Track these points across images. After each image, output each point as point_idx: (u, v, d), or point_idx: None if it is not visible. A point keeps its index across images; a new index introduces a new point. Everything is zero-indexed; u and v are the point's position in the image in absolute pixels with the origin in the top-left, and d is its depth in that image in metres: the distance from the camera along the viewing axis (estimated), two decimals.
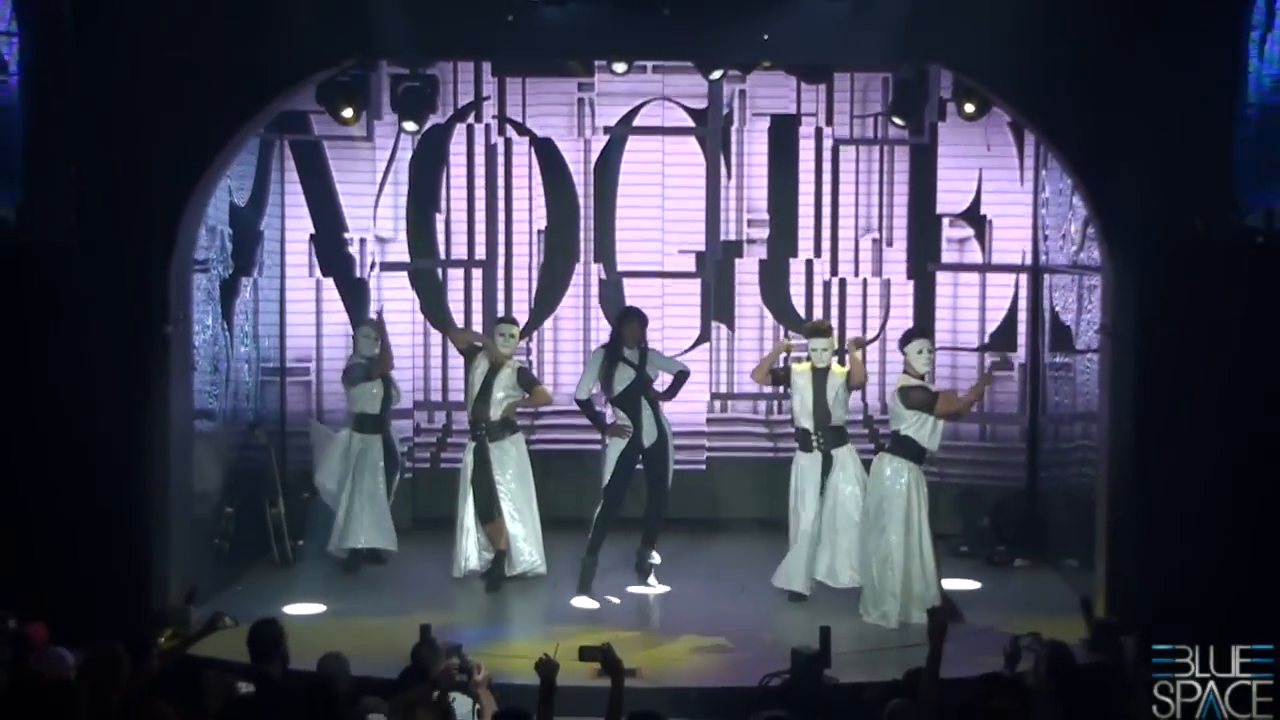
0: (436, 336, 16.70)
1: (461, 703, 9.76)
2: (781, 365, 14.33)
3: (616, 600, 14.38)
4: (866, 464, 14.21)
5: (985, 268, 16.54)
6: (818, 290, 16.85)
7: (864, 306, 16.76)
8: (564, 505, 15.35)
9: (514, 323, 15.51)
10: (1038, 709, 9.74)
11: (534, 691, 9.19)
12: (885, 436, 14.38)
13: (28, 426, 12.56)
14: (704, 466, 16.41)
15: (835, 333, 15.12)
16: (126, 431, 13.04)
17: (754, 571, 14.71)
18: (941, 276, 16.59)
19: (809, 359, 14.17)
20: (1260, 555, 12.00)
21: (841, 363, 14.35)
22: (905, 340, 14.12)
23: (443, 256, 16.95)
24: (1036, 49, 12.81)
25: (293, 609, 12.55)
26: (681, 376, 15.10)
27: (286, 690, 9.91)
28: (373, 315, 15.89)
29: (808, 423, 14.16)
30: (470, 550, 14.88)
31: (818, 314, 16.37)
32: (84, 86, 12.60)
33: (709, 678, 12.15)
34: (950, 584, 13.84)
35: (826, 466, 14.15)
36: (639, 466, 14.68)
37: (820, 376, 14.09)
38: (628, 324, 14.77)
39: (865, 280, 16.80)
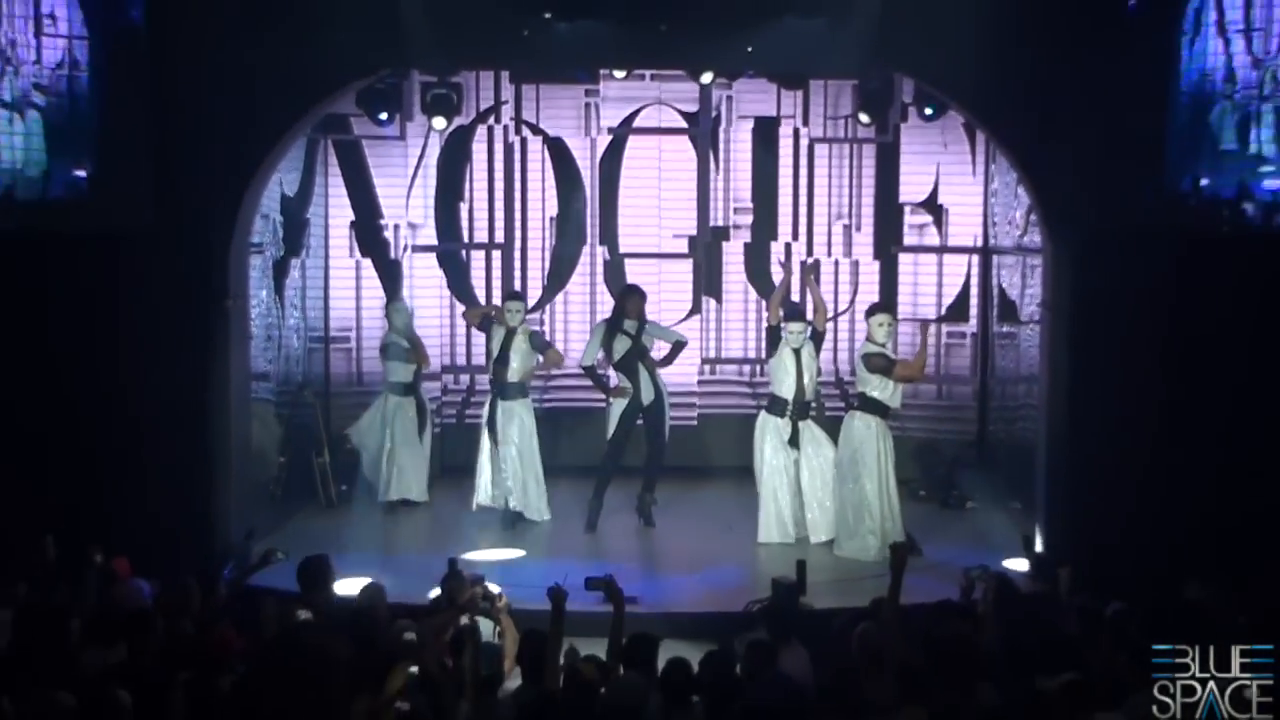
0: (460, 309, 16.70)
1: (484, 626, 9.87)
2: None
3: (619, 537, 14.47)
4: (835, 420, 14.38)
5: (941, 249, 16.60)
6: (798, 268, 16.73)
7: (835, 284, 16.79)
8: (573, 456, 15.42)
9: (520, 298, 15.67)
10: (985, 631, 9.87)
11: (546, 616, 9.32)
12: (854, 397, 14.43)
13: (110, 388, 12.64)
14: (695, 422, 16.47)
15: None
16: (193, 392, 13.14)
17: (740, 512, 14.78)
18: (904, 257, 16.65)
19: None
20: (1175, 497, 12.07)
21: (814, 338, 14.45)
22: (869, 313, 14.25)
23: (466, 240, 16.96)
24: (987, 59, 12.80)
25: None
26: (679, 345, 15.20)
27: (333, 616, 10.02)
28: (406, 301, 15.97)
29: (786, 394, 14.27)
30: (484, 487, 15.00)
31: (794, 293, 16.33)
32: (158, 92, 12.69)
33: (699, 604, 12.26)
34: None
35: (791, 434, 14.26)
36: (639, 422, 14.80)
37: (797, 357, 14.20)
38: (629, 299, 14.89)
39: (836, 261, 16.86)
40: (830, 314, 15.06)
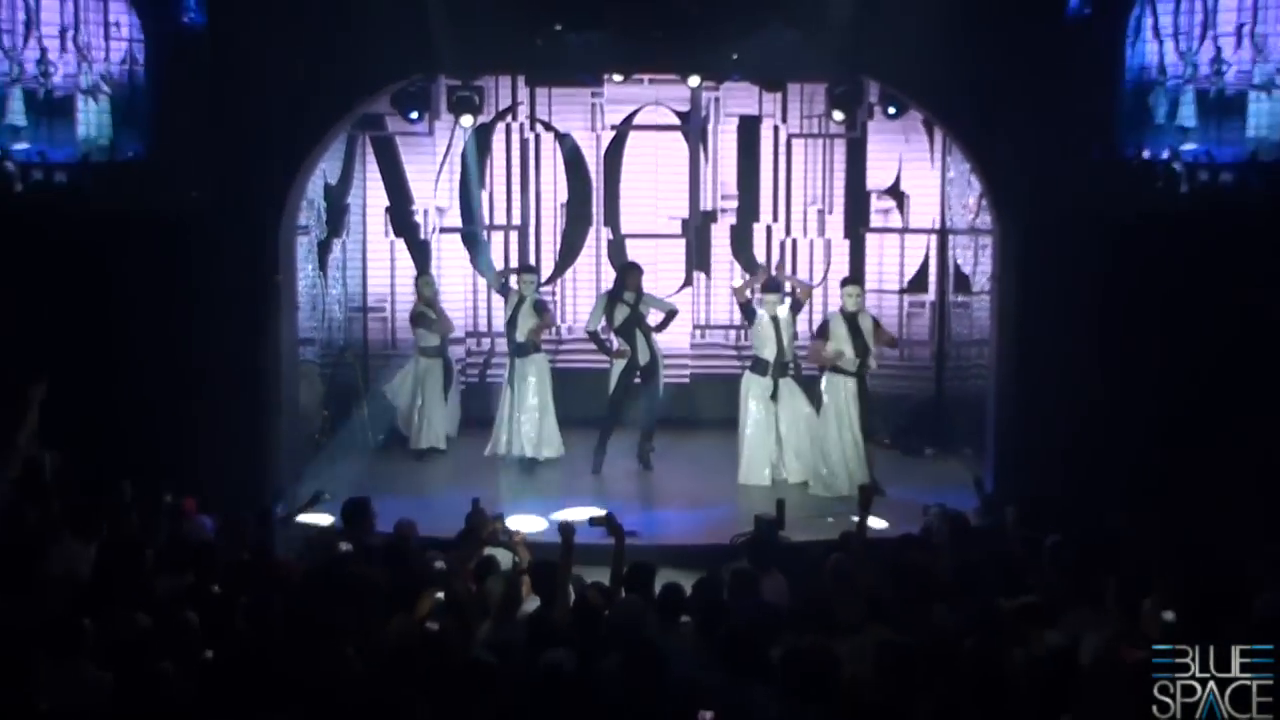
0: (482, 282, 16.69)
1: (503, 557, 9.86)
2: (755, 297, 14.47)
3: (621, 479, 14.44)
4: (810, 378, 14.38)
5: (903, 230, 16.54)
6: (775, 248, 16.80)
7: (810, 261, 16.74)
8: (581, 410, 15.35)
9: (534, 271, 15.81)
10: (940, 560, 9.86)
11: (557, 547, 9.31)
12: None
13: (176, 351, 12.67)
14: (688, 380, 16.44)
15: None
16: (247, 355, 13.24)
17: (725, 459, 14.72)
18: (870, 237, 16.57)
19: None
20: (1106, 444, 12.09)
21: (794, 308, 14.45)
22: (842, 284, 14.34)
23: (487, 222, 16.89)
24: (944, 64, 12.81)
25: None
26: (671, 314, 15.22)
27: (371, 548, 10.01)
28: (434, 275, 15.94)
29: (768, 356, 14.27)
30: (503, 437, 15.01)
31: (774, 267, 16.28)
32: (217, 91, 12.65)
33: (690, 537, 12.33)
34: None
35: (773, 390, 14.29)
36: (636, 380, 14.82)
37: (777, 323, 14.21)
38: (628, 273, 14.93)
39: (811, 240, 16.78)
40: (809, 288, 15.04)
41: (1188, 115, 12.37)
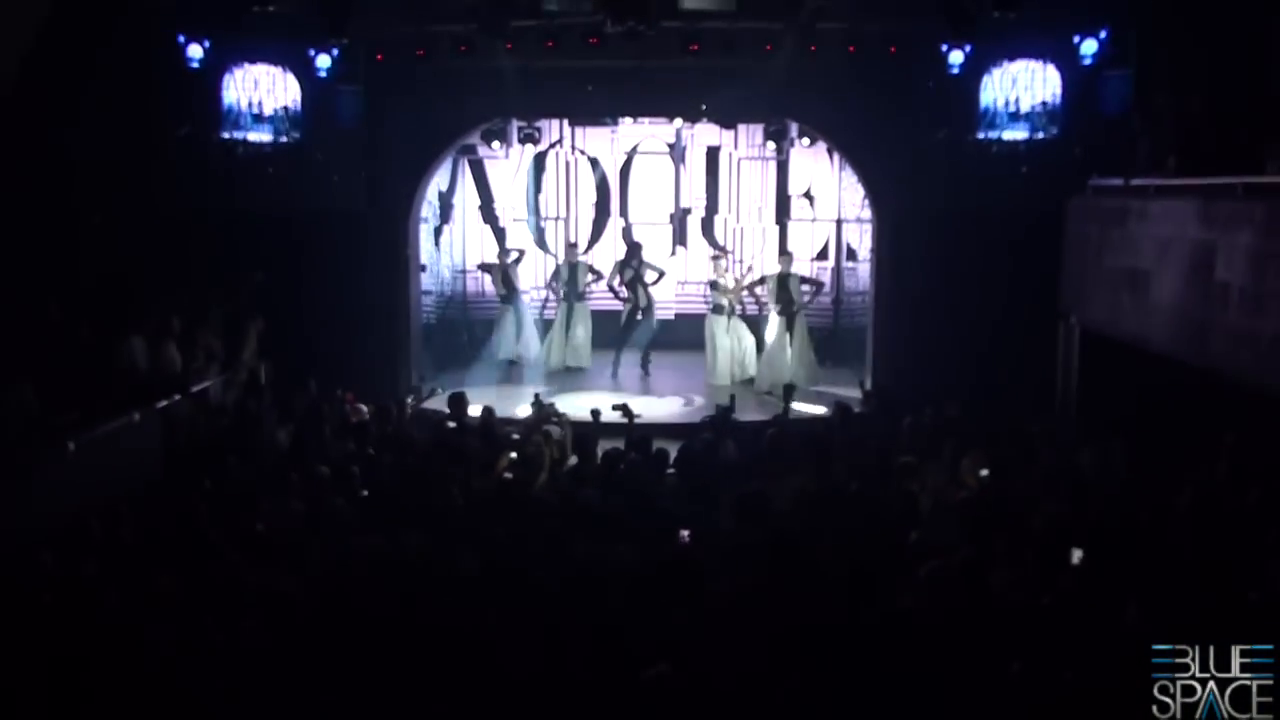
0: (540, 253, 16.62)
1: (554, 432, 9.88)
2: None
3: (630, 381, 14.41)
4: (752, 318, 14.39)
5: (813, 220, 16.41)
6: (731, 233, 16.67)
7: (753, 240, 16.60)
8: (603, 338, 15.31)
9: (576, 246, 15.63)
10: (837, 432, 9.88)
11: (589, 425, 9.33)
12: (765, 302, 14.40)
13: (344, 299, 12.62)
14: (673, 317, 16.28)
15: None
16: (390, 301, 13.23)
17: (697, 368, 14.58)
18: (792, 225, 16.35)
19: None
20: (946, 358, 11.99)
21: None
22: (778, 254, 14.42)
23: (543, 215, 16.80)
24: (839, 111, 12.81)
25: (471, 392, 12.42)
26: (662, 275, 15.14)
27: (467, 425, 10.05)
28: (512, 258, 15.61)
29: (724, 304, 14.27)
30: (555, 353, 14.96)
31: (729, 247, 16.24)
32: (370, 141, 12.63)
33: (675, 419, 12.27)
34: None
35: (727, 325, 14.27)
36: (638, 318, 14.76)
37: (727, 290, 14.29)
38: (634, 248, 14.88)
39: (754, 227, 16.67)
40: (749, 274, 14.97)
41: (1004, 122, 12.23)
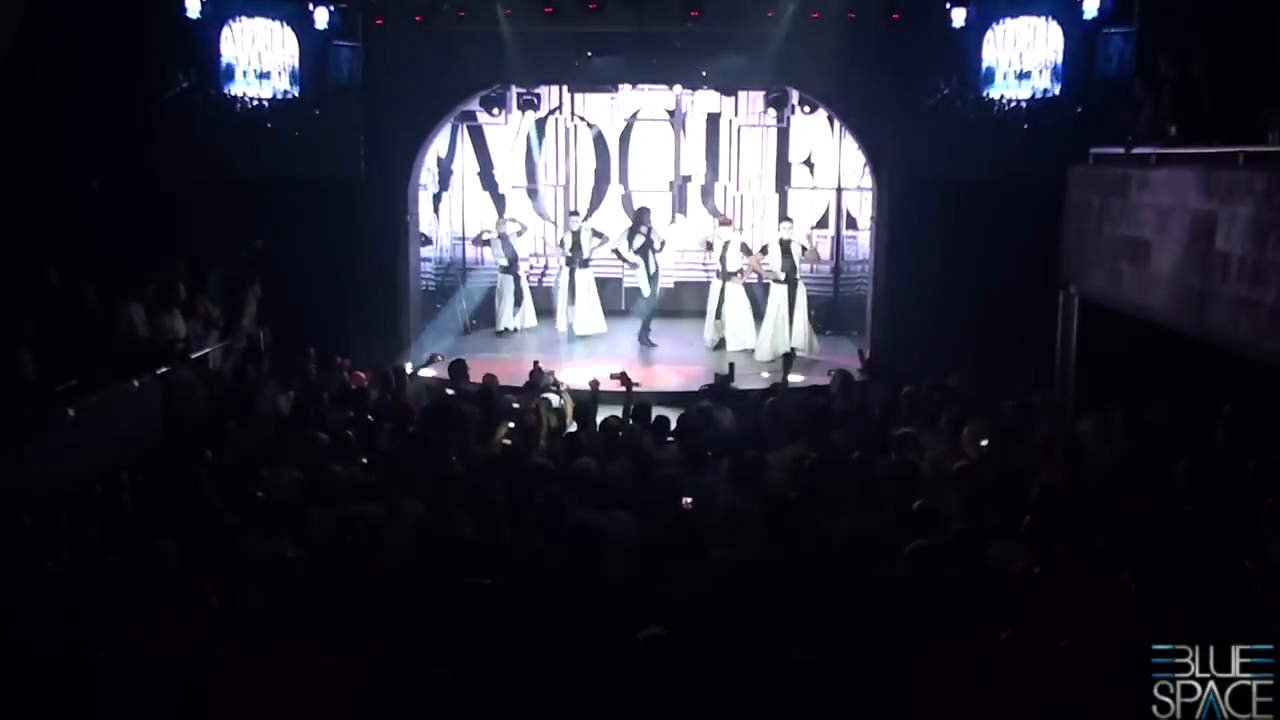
0: (540, 221, 16.59)
1: (554, 400, 9.89)
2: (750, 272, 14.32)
3: (630, 349, 14.36)
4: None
5: (814, 189, 16.34)
6: (731, 201, 16.64)
7: (753, 208, 16.56)
8: (608, 302, 15.32)
9: (578, 214, 15.53)
10: (835, 402, 9.89)
11: (588, 394, 9.33)
12: (768, 271, 14.31)
13: (342, 265, 12.58)
14: (673, 285, 16.27)
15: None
16: (389, 267, 13.22)
17: (697, 335, 14.64)
18: (792, 193, 16.27)
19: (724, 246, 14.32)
20: (945, 328, 11.99)
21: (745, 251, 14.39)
22: (779, 221, 14.34)
23: (543, 182, 16.74)
24: (839, 79, 12.71)
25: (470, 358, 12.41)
26: (664, 243, 15.07)
27: (467, 393, 10.04)
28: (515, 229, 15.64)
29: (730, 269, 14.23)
30: (563, 318, 14.97)
31: (728, 214, 16.18)
32: (368, 105, 12.52)
33: (674, 386, 12.16)
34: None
35: (723, 291, 14.26)
36: (651, 283, 14.71)
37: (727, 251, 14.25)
38: (642, 214, 14.81)
39: (754, 195, 16.61)
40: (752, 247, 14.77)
41: (1001, 79, 12.09)
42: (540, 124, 16.24)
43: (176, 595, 5.23)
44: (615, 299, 16.01)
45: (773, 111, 15.54)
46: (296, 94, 12.23)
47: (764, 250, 14.18)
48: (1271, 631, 4.63)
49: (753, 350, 13.98)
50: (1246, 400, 8.22)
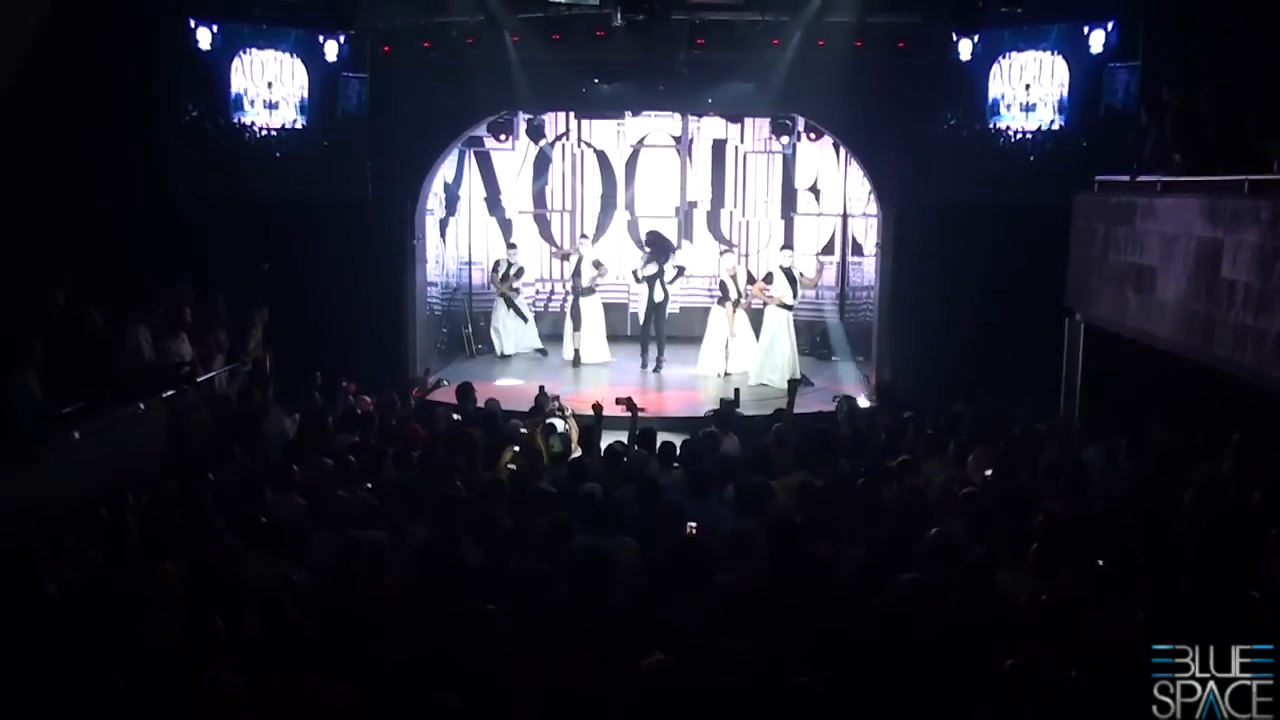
0: (547, 246, 16.67)
1: (558, 425, 9.87)
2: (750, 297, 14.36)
3: (635, 374, 14.39)
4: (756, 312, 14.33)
5: (819, 215, 16.41)
6: (737, 227, 16.70)
7: (759, 234, 16.62)
8: (614, 328, 15.35)
9: (586, 237, 15.66)
10: (841, 428, 9.89)
11: (592, 419, 9.33)
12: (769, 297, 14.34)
13: (349, 289, 12.62)
14: (678, 311, 16.30)
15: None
16: (395, 291, 13.25)
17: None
18: (797, 219, 16.36)
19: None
20: (950, 355, 12.04)
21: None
22: (780, 249, 14.30)
23: (550, 207, 16.80)
24: (845, 106, 12.75)
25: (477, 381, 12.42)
26: (680, 272, 15.05)
27: (473, 417, 10.05)
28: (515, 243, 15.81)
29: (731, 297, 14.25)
30: (569, 345, 14.95)
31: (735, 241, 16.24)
32: (376, 130, 12.59)
33: (679, 412, 12.22)
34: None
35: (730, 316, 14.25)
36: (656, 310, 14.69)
37: (732, 282, 14.26)
38: (665, 246, 14.97)
39: (760, 221, 16.67)
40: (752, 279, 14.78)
41: (1008, 112, 12.11)
42: (546, 151, 16.32)
43: (181, 618, 5.22)
44: (621, 324, 16.06)
45: (778, 138, 15.63)
46: (305, 124, 12.32)
47: (768, 278, 14.20)
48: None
49: (745, 374, 13.97)
50: (1252, 427, 8.21)
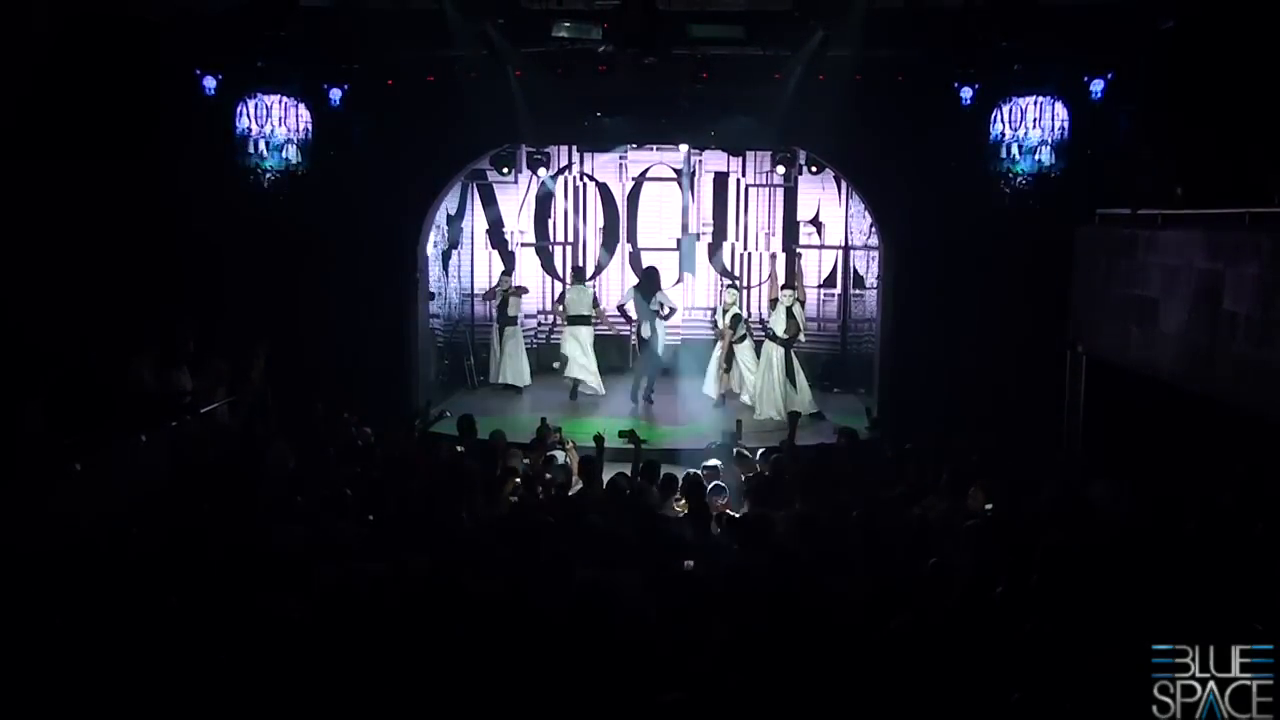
0: (549, 278, 16.75)
1: (559, 456, 9.90)
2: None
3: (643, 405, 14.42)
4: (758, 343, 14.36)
5: (820, 247, 16.50)
6: (738, 259, 16.78)
7: (760, 268, 16.70)
8: (610, 360, 15.40)
9: (583, 270, 15.81)
10: (842, 459, 9.90)
11: (593, 450, 9.34)
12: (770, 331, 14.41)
13: (352, 322, 12.66)
14: (680, 343, 16.36)
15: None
16: (396, 324, 13.30)
17: (700, 394, 14.66)
18: (804, 252, 16.51)
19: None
20: (947, 388, 12.03)
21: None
22: (781, 288, 14.35)
23: (552, 239, 16.89)
24: (847, 139, 12.84)
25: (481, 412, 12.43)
26: (672, 311, 15.10)
27: (475, 448, 10.07)
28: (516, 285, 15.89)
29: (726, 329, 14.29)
30: (568, 376, 14.93)
31: (737, 271, 16.30)
32: (379, 163, 12.66)
33: (680, 444, 12.20)
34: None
35: (730, 352, 14.27)
36: (650, 345, 14.69)
37: (736, 319, 14.32)
38: (650, 275, 14.91)
39: (761, 254, 16.75)
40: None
41: (1013, 158, 11.87)
42: (548, 184, 16.43)
43: (182, 651, 5.23)
44: (621, 357, 16.10)
45: (780, 171, 15.73)
46: (308, 163, 12.38)
47: (772, 304, 14.26)
48: None
49: (752, 408, 14.01)
50: (1255, 459, 8.22)
